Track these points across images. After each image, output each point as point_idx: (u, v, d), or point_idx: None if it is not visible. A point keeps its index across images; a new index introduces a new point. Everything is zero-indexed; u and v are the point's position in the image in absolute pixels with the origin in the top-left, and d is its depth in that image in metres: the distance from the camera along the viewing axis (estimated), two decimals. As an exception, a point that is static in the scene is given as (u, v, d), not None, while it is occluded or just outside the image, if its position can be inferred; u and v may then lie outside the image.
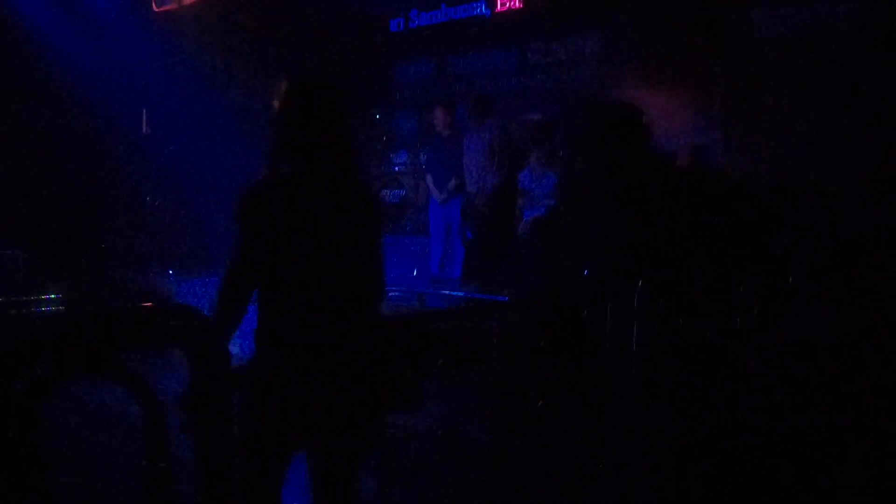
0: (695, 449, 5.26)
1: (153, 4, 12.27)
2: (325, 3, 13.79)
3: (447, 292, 9.43)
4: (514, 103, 12.53)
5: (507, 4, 13.00)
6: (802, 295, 5.86)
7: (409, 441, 6.56)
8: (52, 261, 12.82)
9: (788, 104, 10.29)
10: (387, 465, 4.61)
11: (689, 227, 7.46)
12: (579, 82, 12.65)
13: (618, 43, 12.06)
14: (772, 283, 6.49)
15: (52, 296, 12.78)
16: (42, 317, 1.65)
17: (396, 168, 13.55)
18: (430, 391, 8.31)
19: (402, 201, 12.63)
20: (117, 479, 6.68)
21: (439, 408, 7.88)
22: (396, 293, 9.56)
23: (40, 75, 12.87)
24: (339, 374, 3.07)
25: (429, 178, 10.85)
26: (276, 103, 6.59)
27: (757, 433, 5.41)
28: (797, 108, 10.22)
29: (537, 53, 13.20)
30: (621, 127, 7.63)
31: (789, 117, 10.28)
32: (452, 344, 7.80)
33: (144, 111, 14.38)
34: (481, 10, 13.25)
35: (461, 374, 7.50)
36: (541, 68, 13.16)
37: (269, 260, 3.10)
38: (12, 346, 1.54)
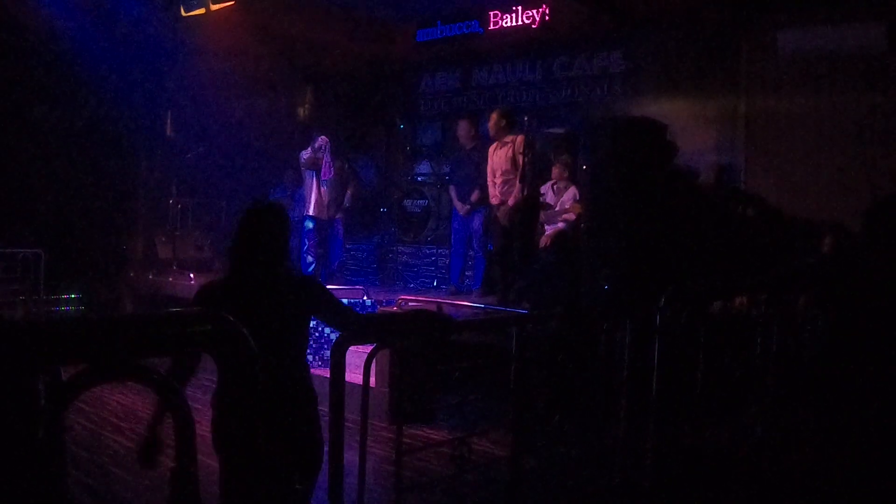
0: (713, 470, 5.24)
1: (181, 9, 12.30)
2: (350, 13, 13.84)
3: (466, 304, 9.44)
4: (538, 117, 12.55)
5: (500, 23, 13.13)
6: (822, 319, 5.83)
7: (423, 452, 6.56)
8: (72, 261, 12.90)
9: (813, 124, 10.26)
10: (400, 476, 4.61)
11: (711, 243, 7.45)
12: (603, 98, 12.66)
13: (642, 60, 12.06)
14: (791, 302, 6.47)
15: (73, 295, 12.86)
16: (67, 320, 1.66)
17: (419, 178, 13.57)
18: (446, 403, 8.31)
19: (424, 211, 12.65)
20: (135, 479, 6.73)
21: (454, 420, 7.88)
22: (416, 304, 9.58)
23: (66, 78, 12.97)
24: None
25: (452, 189, 10.88)
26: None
27: (778, 453, 5.39)
28: (821, 129, 10.19)
29: (562, 68, 13.21)
30: (645, 143, 7.61)
31: (813, 136, 10.25)
32: (470, 356, 7.79)
33: (169, 114, 14.45)
34: (475, 28, 13.40)
35: (477, 386, 7.49)
36: (565, 83, 13.17)
37: None
38: (35, 352, 1.55)
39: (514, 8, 12.89)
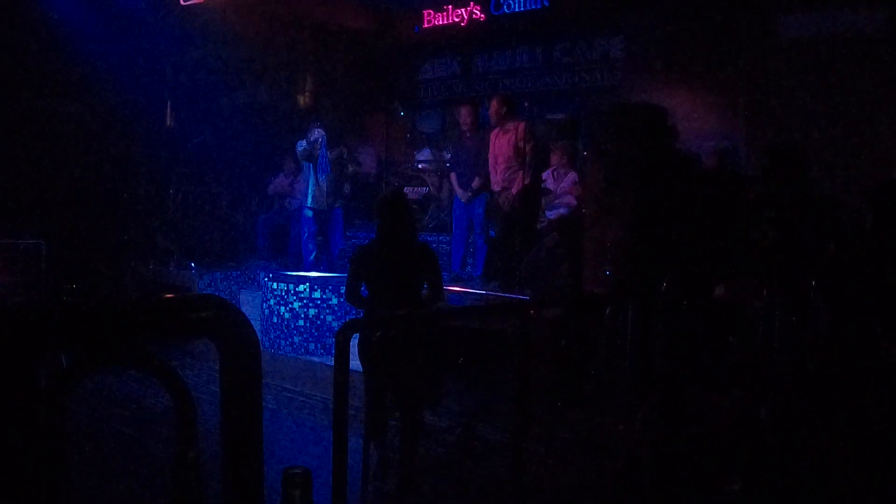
0: (716, 453, 5.25)
1: (180, -2, 12.33)
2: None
3: (468, 290, 9.43)
4: (539, 102, 12.53)
5: (433, 22, 14.26)
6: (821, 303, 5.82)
7: (428, 438, 6.56)
8: (73, 252, 12.89)
9: (812, 108, 10.25)
10: (404, 463, 4.60)
11: (712, 228, 7.43)
12: (604, 83, 12.64)
13: (642, 45, 12.04)
14: (795, 287, 6.46)
15: (74, 286, 12.85)
16: (69, 306, 1.65)
17: (420, 165, 13.54)
18: (450, 389, 8.32)
19: (425, 198, 12.63)
20: (138, 467, 6.73)
21: (458, 405, 7.88)
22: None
23: (66, 68, 12.93)
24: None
25: (453, 176, 10.85)
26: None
27: (782, 436, 5.38)
28: (822, 114, 10.18)
29: (562, 53, 13.20)
30: (645, 128, 7.59)
31: (813, 121, 10.24)
32: (473, 342, 7.80)
33: (169, 104, 14.43)
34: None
35: (481, 372, 7.50)
36: (566, 68, 13.16)
37: (368, 281, 6.30)
38: (37, 338, 1.54)
39: (444, 7, 13.99)
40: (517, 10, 13.35)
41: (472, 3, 13.73)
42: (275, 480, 2.53)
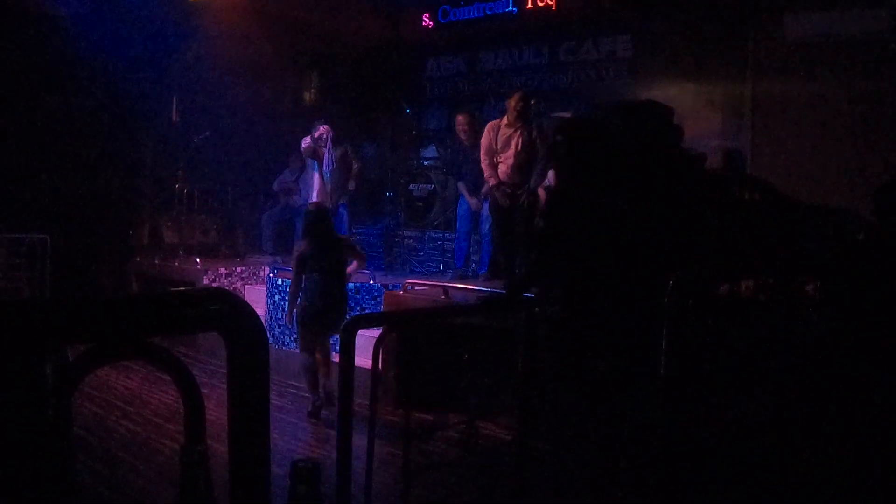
0: (719, 452, 5.24)
1: (188, -7, 12.32)
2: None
3: (473, 288, 9.43)
4: (545, 101, 12.50)
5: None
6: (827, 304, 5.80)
7: (430, 435, 6.56)
8: (78, 247, 12.89)
9: (819, 108, 10.25)
10: (408, 459, 4.60)
11: (717, 227, 7.42)
12: (610, 82, 12.63)
13: (649, 44, 12.03)
14: (798, 288, 6.45)
15: (78, 281, 12.85)
16: (75, 300, 1.64)
17: (425, 163, 13.53)
18: (454, 387, 8.32)
19: (430, 196, 12.61)
20: (142, 464, 6.74)
21: (462, 404, 7.89)
22: (422, 287, 9.57)
23: (72, 63, 12.93)
24: (329, 313, 8.47)
25: (462, 185, 10.70)
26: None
27: (784, 439, 5.38)
28: (827, 113, 10.18)
29: (568, 52, 13.19)
30: (652, 127, 7.58)
31: (819, 121, 10.24)
32: (476, 339, 7.80)
33: (175, 99, 14.43)
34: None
35: (485, 370, 7.50)
36: (572, 67, 13.14)
37: (303, 271, 8.51)
38: (42, 332, 1.54)
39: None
40: (460, 18, 14.11)
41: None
42: (280, 476, 2.54)
